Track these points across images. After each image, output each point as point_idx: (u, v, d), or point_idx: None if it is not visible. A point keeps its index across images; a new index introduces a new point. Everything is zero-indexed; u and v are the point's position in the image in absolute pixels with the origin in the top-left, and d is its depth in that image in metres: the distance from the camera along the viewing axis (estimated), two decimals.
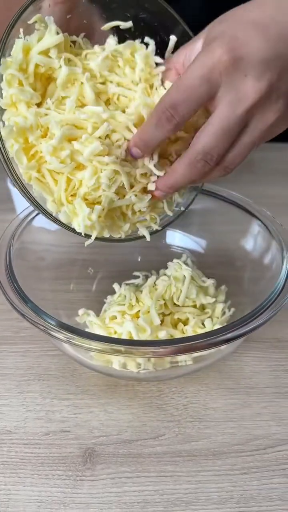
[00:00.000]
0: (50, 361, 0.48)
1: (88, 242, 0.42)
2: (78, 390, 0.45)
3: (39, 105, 0.39)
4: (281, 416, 0.44)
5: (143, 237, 0.45)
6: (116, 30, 0.42)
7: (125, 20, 0.42)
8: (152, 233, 0.45)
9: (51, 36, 0.38)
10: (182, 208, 0.47)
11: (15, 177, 0.38)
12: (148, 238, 0.45)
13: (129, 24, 0.42)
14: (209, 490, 0.39)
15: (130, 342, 0.42)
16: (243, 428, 0.43)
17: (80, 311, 0.48)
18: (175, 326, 0.48)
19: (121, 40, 0.42)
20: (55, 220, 0.40)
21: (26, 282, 0.44)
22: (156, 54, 0.43)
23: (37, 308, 0.40)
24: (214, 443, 0.42)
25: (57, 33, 0.38)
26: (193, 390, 0.46)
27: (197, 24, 0.42)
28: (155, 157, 0.41)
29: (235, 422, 0.44)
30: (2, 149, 0.38)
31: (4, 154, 0.38)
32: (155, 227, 0.45)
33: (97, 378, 0.46)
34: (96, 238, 0.42)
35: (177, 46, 0.42)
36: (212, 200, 0.53)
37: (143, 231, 0.44)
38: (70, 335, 0.39)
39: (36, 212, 0.48)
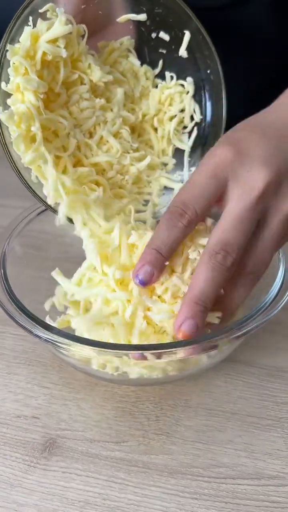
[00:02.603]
0: (44, 349, 0.49)
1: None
2: (60, 381, 0.47)
3: (47, 93, 0.41)
4: (253, 449, 0.42)
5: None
6: (133, 24, 0.43)
7: (140, 13, 0.42)
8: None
9: (61, 26, 0.39)
10: None
11: (12, 160, 0.40)
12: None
13: (142, 16, 0.42)
14: (152, 506, 0.38)
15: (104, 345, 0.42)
16: (209, 452, 0.41)
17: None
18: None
19: (137, 34, 0.43)
20: (48, 205, 0.42)
21: (25, 270, 0.46)
22: (170, 49, 0.43)
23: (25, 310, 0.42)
24: (174, 460, 0.41)
25: (68, 24, 0.39)
26: (171, 403, 0.45)
27: None
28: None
29: (203, 445, 0.42)
30: (1, 133, 0.39)
31: (2, 138, 0.39)
32: None
33: (81, 373, 0.47)
34: None
35: (190, 42, 0.42)
36: None
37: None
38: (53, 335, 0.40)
39: None
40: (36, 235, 0.50)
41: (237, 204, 0.37)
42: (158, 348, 0.39)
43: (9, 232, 0.47)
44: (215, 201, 0.39)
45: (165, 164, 0.50)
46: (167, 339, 0.40)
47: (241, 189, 0.37)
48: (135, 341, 0.40)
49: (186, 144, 0.49)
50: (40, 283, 0.49)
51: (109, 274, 0.41)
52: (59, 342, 0.39)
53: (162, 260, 0.39)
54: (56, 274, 0.44)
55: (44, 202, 0.41)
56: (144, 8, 0.42)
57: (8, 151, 0.40)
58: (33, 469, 0.40)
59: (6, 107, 0.39)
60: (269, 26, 0.67)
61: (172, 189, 0.49)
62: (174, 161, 0.50)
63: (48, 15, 0.40)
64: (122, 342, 0.40)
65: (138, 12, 0.43)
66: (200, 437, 0.42)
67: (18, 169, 0.40)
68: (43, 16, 0.40)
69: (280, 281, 0.43)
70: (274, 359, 0.48)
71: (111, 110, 0.45)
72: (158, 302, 0.40)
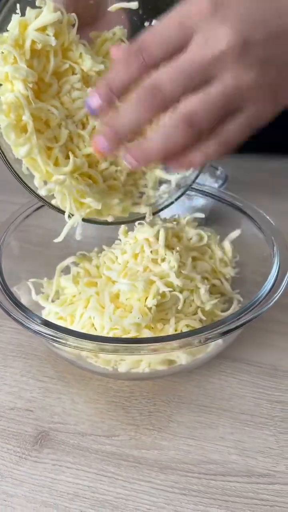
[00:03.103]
0: (40, 343, 0.50)
1: (71, 220, 0.42)
2: (55, 375, 0.47)
3: (37, 83, 0.40)
4: (245, 447, 0.41)
5: (142, 218, 0.45)
6: (125, 12, 0.42)
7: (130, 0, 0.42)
8: (154, 212, 0.46)
9: (49, 13, 0.39)
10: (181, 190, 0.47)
11: (1, 152, 0.40)
12: (149, 214, 0.45)
13: (133, 4, 0.42)
14: (140, 500, 0.38)
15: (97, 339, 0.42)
16: (200, 449, 0.41)
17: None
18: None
19: (130, 24, 0.43)
20: (40, 197, 0.42)
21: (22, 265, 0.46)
22: None
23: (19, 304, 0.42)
24: (165, 456, 0.41)
25: (57, 11, 0.39)
26: (164, 399, 0.45)
27: None
28: None
29: (194, 441, 0.42)
30: None
31: None
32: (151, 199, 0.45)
33: (76, 368, 0.47)
34: (88, 220, 0.43)
35: None
36: (204, 198, 0.54)
37: (142, 209, 0.45)
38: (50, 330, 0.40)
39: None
40: (33, 231, 0.51)
41: (193, 53, 0.34)
42: (152, 342, 0.39)
43: (5, 227, 0.48)
44: (175, 51, 0.35)
45: None
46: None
47: (203, 39, 0.34)
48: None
49: None
50: (36, 277, 0.49)
51: None
52: (50, 335, 0.39)
53: (111, 95, 0.37)
54: (41, 299, 0.47)
55: (35, 193, 0.41)
56: None
57: None
58: (24, 460, 0.41)
59: None
60: None
61: (169, 181, 0.49)
62: None
63: (37, 3, 0.40)
64: None
65: (129, 1, 0.42)
66: (192, 433, 0.42)
67: (8, 161, 0.40)
68: (32, 5, 0.40)
69: (274, 276, 0.43)
70: (269, 358, 0.48)
71: None
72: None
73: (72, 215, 0.43)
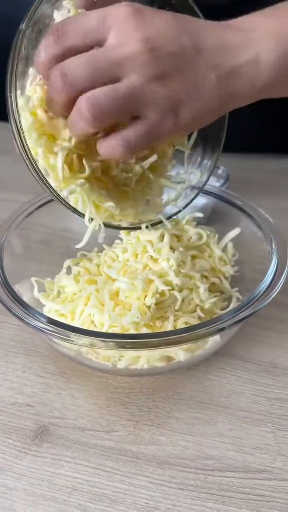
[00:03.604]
0: (42, 339, 0.50)
1: (89, 226, 0.43)
2: (56, 371, 0.47)
3: None
4: (242, 443, 0.42)
5: (156, 223, 0.46)
6: None
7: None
8: (167, 218, 0.47)
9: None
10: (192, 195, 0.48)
11: (26, 148, 0.39)
12: (166, 223, 0.46)
13: None
14: (138, 494, 0.39)
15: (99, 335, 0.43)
16: (197, 444, 0.42)
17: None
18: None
19: None
20: (59, 197, 0.42)
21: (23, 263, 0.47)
22: None
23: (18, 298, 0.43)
24: (163, 451, 0.41)
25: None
26: (163, 395, 0.45)
27: None
28: None
29: (192, 437, 0.42)
30: (15, 118, 0.39)
31: (17, 123, 0.39)
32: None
33: (77, 364, 0.48)
34: (105, 226, 0.43)
35: None
36: (205, 197, 0.54)
37: (150, 215, 0.46)
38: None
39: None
40: (34, 229, 0.51)
41: (105, 48, 0.36)
42: (149, 337, 0.39)
43: (7, 225, 0.48)
44: (90, 42, 0.37)
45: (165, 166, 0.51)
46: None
47: (116, 40, 0.36)
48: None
49: (187, 146, 0.49)
50: (37, 275, 0.50)
51: None
52: (51, 331, 0.40)
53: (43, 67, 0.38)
54: (42, 297, 0.48)
55: (55, 193, 0.41)
56: (156, 5, 0.42)
57: (22, 139, 0.40)
58: (24, 455, 0.41)
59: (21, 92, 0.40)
60: None
61: (174, 189, 0.50)
62: (174, 162, 0.50)
63: (64, 4, 0.41)
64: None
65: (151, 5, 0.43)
66: (190, 429, 0.43)
67: (32, 160, 0.40)
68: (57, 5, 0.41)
69: (272, 275, 0.43)
70: (268, 355, 0.48)
71: None
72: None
73: (91, 219, 0.43)
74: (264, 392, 0.46)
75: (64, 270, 0.51)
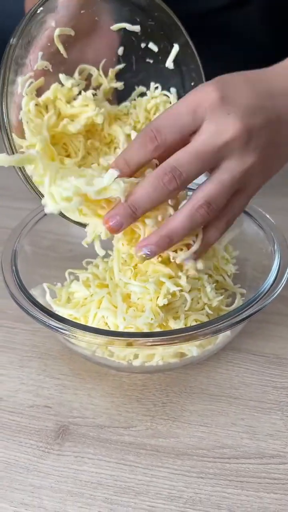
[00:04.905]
0: (53, 343, 0.52)
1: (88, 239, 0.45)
2: (70, 372, 0.49)
3: None
4: (255, 431, 0.44)
5: None
6: (123, 32, 0.45)
7: (134, 24, 0.45)
8: None
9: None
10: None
11: (13, 148, 0.42)
12: None
13: (136, 28, 0.44)
14: (161, 485, 0.41)
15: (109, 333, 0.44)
16: (213, 435, 0.44)
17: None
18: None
19: (127, 42, 0.46)
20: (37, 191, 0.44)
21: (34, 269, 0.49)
22: (157, 59, 0.47)
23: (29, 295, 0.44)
24: (180, 443, 0.43)
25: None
26: (176, 390, 0.47)
27: None
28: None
29: (207, 428, 0.44)
30: (5, 119, 0.41)
31: (7, 125, 0.41)
32: None
33: (90, 365, 0.49)
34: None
35: (178, 55, 0.45)
36: None
37: None
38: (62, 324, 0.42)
39: None
40: (42, 235, 0.53)
41: (205, 139, 0.38)
42: (167, 335, 0.41)
43: (18, 232, 0.50)
44: (186, 135, 0.40)
45: None
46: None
47: (214, 128, 0.38)
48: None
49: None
50: (47, 281, 0.52)
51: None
52: (70, 332, 0.42)
53: (128, 171, 0.41)
54: (53, 303, 0.49)
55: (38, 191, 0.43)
56: (138, 19, 0.45)
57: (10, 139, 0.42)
58: (48, 454, 0.43)
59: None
60: (263, 31, 0.69)
61: None
62: None
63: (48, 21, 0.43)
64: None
65: (132, 23, 0.45)
66: (204, 421, 0.45)
67: (26, 175, 0.42)
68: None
69: (275, 271, 0.45)
70: (273, 347, 0.51)
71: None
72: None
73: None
74: (271, 382, 0.48)
75: (69, 278, 0.53)
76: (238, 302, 0.50)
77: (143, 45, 0.46)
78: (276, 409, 0.46)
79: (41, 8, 0.41)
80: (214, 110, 0.38)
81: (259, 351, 0.51)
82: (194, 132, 0.39)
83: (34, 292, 0.47)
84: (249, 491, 0.40)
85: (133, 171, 0.41)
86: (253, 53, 0.69)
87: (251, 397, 0.47)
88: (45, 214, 0.52)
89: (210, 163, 0.39)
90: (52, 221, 0.52)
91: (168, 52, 0.46)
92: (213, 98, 0.38)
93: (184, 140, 0.40)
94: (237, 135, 0.38)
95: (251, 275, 0.51)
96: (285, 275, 0.45)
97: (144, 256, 0.41)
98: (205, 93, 0.39)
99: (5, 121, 0.41)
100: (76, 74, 0.46)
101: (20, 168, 0.43)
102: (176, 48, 0.45)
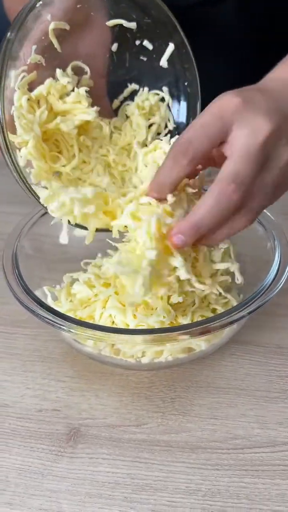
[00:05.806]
0: (55, 345, 0.51)
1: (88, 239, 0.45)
2: (75, 374, 0.49)
3: None
4: (265, 420, 0.45)
5: None
6: (118, 28, 0.45)
7: (130, 20, 0.44)
8: None
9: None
10: None
11: (8, 146, 0.41)
12: None
13: (132, 24, 0.44)
14: (178, 480, 0.41)
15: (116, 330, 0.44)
16: (224, 427, 0.44)
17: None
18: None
19: (121, 38, 0.46)
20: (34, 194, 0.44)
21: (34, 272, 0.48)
22: (151, 57, 0.47)
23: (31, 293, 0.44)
24: (193, 437, 0.43)
25: None
26: (183, 385, 0.48)
27: None
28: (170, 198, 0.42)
29: (218, 420, 0.45)
30: (1, 116, 0.40)
31: (3, 121, 0.41)
32: None
33: (95, 365, 0.49)
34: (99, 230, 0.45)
35: (173, 54, 0.45)
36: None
37: None
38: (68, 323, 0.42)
39: None
40: (39, 238, 0.52)
41: (245, 141, 0.38)
42: (179, 330, 0.42)
43: (16, 235, 0.49)
44: (218, 142, 0.40)
45: None
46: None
47: (248, 131, 0.38)
48: None
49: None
50: (47, 283, 0.51)
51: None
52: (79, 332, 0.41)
53: (165, 194, 0.41)
54: (55, 305, 0.49)
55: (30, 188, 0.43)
56: (134, 16, 0.45)
57: (10, 153, 0.41)
58: (61, 457, 0.42)
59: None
60: (238, 27, 0.70)
61: None
62: None
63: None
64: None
65: (128, 19, 0.45)
66: (214, 413, 0.45)
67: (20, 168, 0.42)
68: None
69: (277, 266, 0.46)
70: (275, 338, 0.52)
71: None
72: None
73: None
74: (275, 372, 0.49)
75: (66, 280, 0.53)
76: (239, 296, 0.51)
77: (137, 42, 0.46)
78: (283, 397, 0.46)
79: (40, 2, 0.41)
80: (241, 113, 0.39)
81: (261, 342, 0.51)
82: (225, 138, 0.39)
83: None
84: (266, 479, 0.41)
85: (171, 192, 0.41)
86: (229, 50, 0.70)
87: (257, 388, 0.47)
88: (40, 217, 0.51)
89: (259, 164, 0.39)
90: (46, 223, 0.52)
91: (163, 51, 0.46)
92: (236, 102, 0.39)
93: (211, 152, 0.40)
94: (271, 131, 0.38)
95: (251, 271, 0.51)
96: (286, 270, 0.46)
97: (174, 243, 0.40)
98: (227, 100, 0.39)
99: (1, 117, 0.40)
100: (69, 69, 0.45)
101: (17, 170, 0.43)
102: (171, 47, 0.46)
